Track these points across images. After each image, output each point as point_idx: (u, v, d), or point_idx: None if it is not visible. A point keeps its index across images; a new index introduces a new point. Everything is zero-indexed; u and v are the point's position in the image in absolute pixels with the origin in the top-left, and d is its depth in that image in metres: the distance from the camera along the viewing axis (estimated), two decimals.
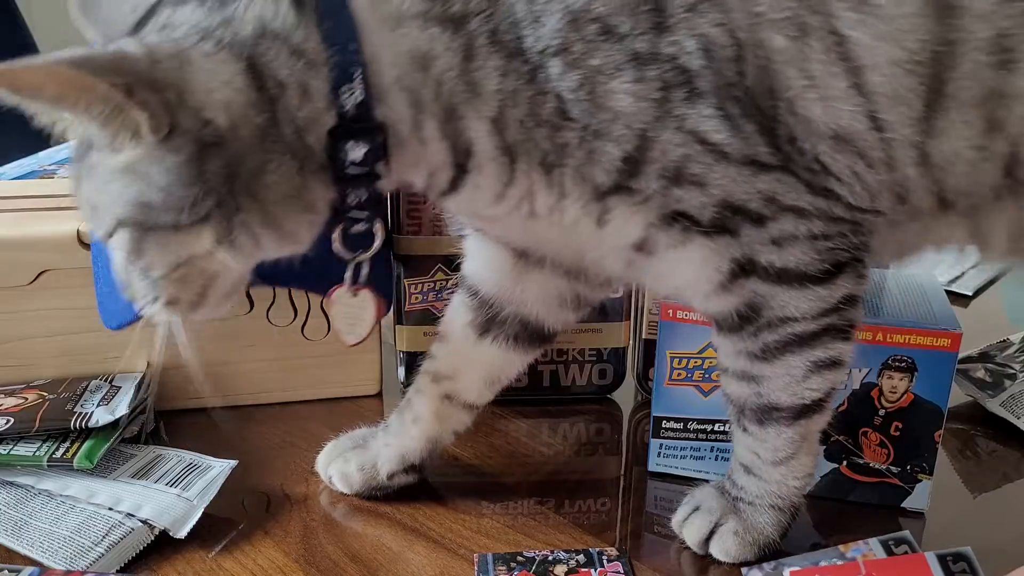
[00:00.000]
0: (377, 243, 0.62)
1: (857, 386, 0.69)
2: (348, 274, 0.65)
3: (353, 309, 0.69)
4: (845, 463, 0.72)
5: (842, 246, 0.56)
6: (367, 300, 0.69)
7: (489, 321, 0.71)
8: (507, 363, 0.73)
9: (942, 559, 0.55)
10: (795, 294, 0.57)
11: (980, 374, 0.89)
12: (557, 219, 0.58)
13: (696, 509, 0.66)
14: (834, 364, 0.59)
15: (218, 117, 0.53)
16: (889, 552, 0.58)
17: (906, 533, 0.58)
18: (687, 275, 0.58)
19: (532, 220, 0.59)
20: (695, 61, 0.52)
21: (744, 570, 0.62)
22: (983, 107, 0.52)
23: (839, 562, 0.58)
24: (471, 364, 0.72)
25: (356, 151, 0.55)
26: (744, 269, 0.57)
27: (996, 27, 0.50)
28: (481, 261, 0.70)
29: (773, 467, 0.63)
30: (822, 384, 0.60)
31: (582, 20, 0.52)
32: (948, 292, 0.81)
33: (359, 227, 0.61)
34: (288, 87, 0.53)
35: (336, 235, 0.61)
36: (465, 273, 0.72)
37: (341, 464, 0.72)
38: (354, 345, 0.71)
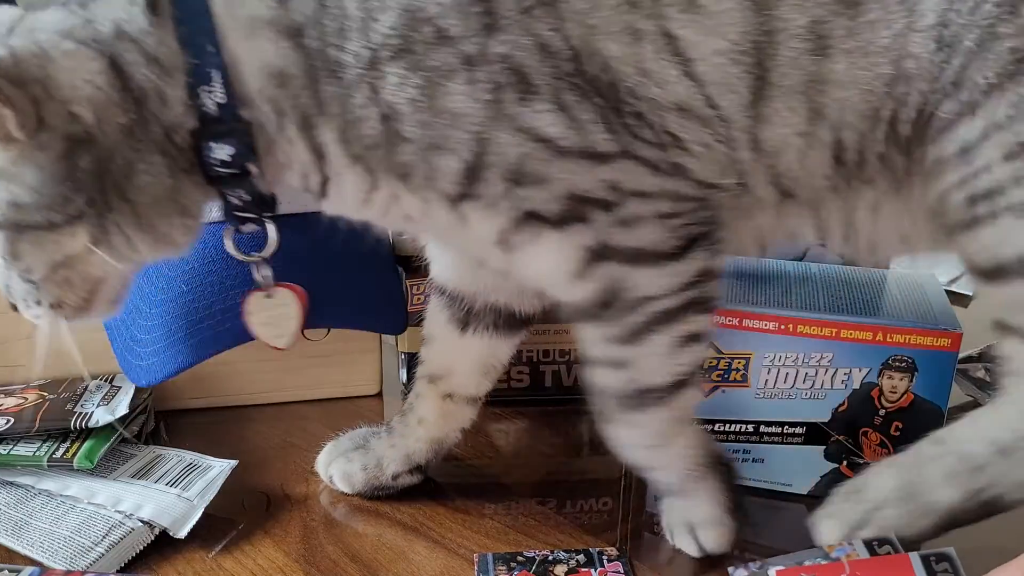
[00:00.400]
0: (271, 243, 0.63)
1: (857, 386, 0.69)
2: (256, 276, 0.66)
3: (274, 311, 0.69)
4: (845, 463, 0.72)
5: (692, 221, 0.57)
6: (286, 298, 0.68)
7: (467, 315, 0.71)
8: (495, 350, 0.73)
9: (925, 559, 0.55)
10: (651, 272, 0.58)
11: (980, 374, 0.89)
12: (431, 222, 0.59)
13: (671, 522, 0.67)
14: (697, 338, 0.60)
15: (84, 113, 0.53)
16: (872, 552, 0.58)
17: (889, 535, 0.59)
18: (543, 266, 0.59)
19: (410, 222, 0.60)
20: (530, 58, 0.53)
21: (730, 569, 0.62)
22: (805, 94, 0.54)
23: (823, 562, 0.58)
24: (462, 358, 0.72)
25: (221, 151, 0.56)
26: (598, 254, 0.57)
27: (811, 15, 0.52)
28: (442, 264, 0.72)
29: (664, 451, 0.63)
30: (690, 358, 0.60)
31: (417, 21, 0.52)
32: (948, 292, 0.81)
33: (249, 227, 0.62)
34: (148, 91, 0.54)
35: (228, 236, 0.62)
36: (433, 276, 0.73)
37: (343, 464, 0.72)
38: (285, 348, 0.70)
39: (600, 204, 0.56)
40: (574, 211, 0.56)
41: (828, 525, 0.60)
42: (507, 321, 0.72)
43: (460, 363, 0.72)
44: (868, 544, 0.58)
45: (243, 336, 0.72)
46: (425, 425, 0.72)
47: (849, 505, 0.60)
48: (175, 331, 0.75)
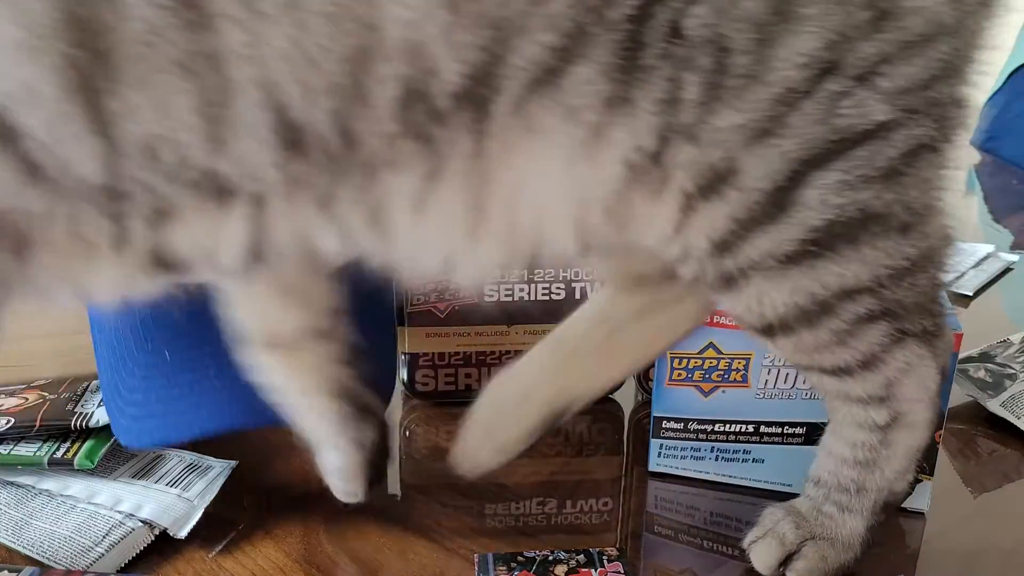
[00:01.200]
0: None
1: None
2: None
3: None
4: None
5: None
6: None
7: None
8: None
9: None
10: None
11: (980, 374, 0.89)
12: None
13: None
14: None
15: None
16: None
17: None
18: None
19: None
20: None
21: None
22: (190, 73, 0.43)
23: None
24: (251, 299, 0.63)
25: None
26: None
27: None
28: None
29: None
30: None
31: None
32: (948, 292, 0.81)
33: None
34: None
35: None
36: None
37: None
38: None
39: None
40: None
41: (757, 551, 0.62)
42: None
43: (245, 302, 0.63)
44: None
45: (255, 416, 0.66)
46: (324, 418, 0.65)
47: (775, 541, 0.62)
48: (155, 401, 0.68)
